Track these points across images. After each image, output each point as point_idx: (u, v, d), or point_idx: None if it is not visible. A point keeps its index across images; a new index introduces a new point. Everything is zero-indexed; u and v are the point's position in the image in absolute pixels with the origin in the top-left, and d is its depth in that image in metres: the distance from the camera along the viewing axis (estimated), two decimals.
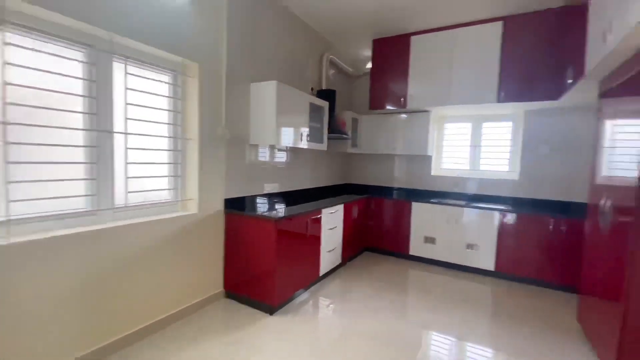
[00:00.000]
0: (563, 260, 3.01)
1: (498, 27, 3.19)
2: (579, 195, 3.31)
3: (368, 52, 4.12)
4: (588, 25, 2.04)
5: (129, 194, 2.00)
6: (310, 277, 2.82)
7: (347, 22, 3.43)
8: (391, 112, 4.06)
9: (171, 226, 2.18)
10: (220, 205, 2.53)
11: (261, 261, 2.40)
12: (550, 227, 3.05)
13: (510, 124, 3.75)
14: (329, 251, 3.08)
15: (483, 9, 3.06)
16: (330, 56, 3.83)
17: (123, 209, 1.98)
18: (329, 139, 3.71)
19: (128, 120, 1.97)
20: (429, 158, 4.15)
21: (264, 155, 2.93)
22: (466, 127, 4.01)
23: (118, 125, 1.94)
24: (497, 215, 3.30)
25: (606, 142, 2.12)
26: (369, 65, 4.15)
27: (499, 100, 3.23)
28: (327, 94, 3.63)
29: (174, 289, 2.24)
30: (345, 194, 4.04)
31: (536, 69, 3.06)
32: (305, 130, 2.97)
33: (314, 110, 3.15)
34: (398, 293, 2.92)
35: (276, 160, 3.11)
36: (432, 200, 3.71)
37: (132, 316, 1.99)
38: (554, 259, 3.05)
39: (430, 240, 3.67)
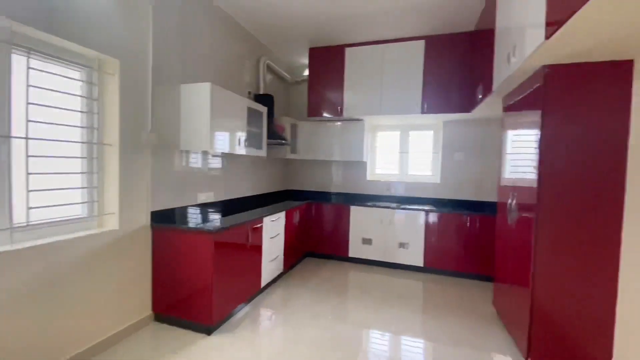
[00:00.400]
0: (480, 252, 3.44)
1: (421, 45, 3.53)
2: (489, 195, 3.83)
3: (305, 60, 4.18)
4: (495, 47, 2.39)
5: (31, 210, 1.66)
6: (251, 290, 2.70)
7: (283, 28, 3.42)
8: (328, 120, 4.17)
9: (87, 246, 1.87)
10: (145, 220, 2.26)
11: (196, 278, 2.20)
12: (467, 224, 3.46)
13: (431, 132, 4.17)
14: (271, 260, 3.00)
15: (408, 27, 3.35)
16: (268, 61, 3.77)
17: (23, 228, 1.63)
18: (268, 144, 3.64)
19: (30, 123, 1.64)
20: (364, 164, 4.37)
21: (197, 162, 2.72)
22: (395, 135, 4.34)
23: (17, 129, 1.61)
24: (423, 216, 3.62)
25: (508, 149, 2.49)
26: (307, 72, 4.20)
27: (423, 112, 3.57)
28: (265, 99, 3.56)
29: (93, 318, 1.91)
30: (286, 201, 4.00)
31: (452, 85, 3.46)
32: (242, 136, 2.85)
33: (252, 115, 3.06)
34: (340, 296, 2.98)
35: (212, 167, 2.92)
36: (367, 204, 3.89)
37: (39, 356, 1.64)
38: (473, 252, 3.46)
39: (367, 241, 3.84)
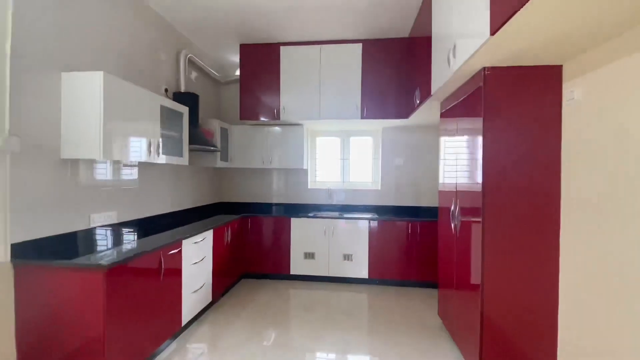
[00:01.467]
0: (423, 259, 3.39)
1: (358, 48, 3.41)
2: (430, 200, 3.87)
3: (236, 58, 3.77)
4: (432, 51, 2.32)
5: None
6: (167, 333, 2.17)
7: (206, 20, 2.99)
8: (264, 124, 3.81)
9: None
10: (3, 255, 1.62)
11: (82, 331, 1.64)
12: (409, 230, 3.40)
13: (370, 139, 4.10)
14: (195, 291, 2.49)
15: (344, 28, 3.20)
16: (190, 55, 3.27)
17: None
18: (192, 151, 3.13)
19: None
20: (305, 171, 4.09)
21: (93, 173, 2.12)
22: (336, 142, 4.16)
23: None
24: (365, 224, 3.47)
25: (445, 154, 2.44)
26: (238, 72, 3.79)
27: (362, 117, 3.44)
28: (187, 98, 3.06)
29: None
30: (217, 215, 3.50)
31: (390, 90, 3.40)
32: (155, 141, 2.33)
33: (170, 115, 2.55)
34: (281, 322, 2.62)
35: (119, 179, 2.33)
36: (309, 215, 3.61)
37: None
38: (416, 259, 3.41)
39: (310, 255, 3.55)
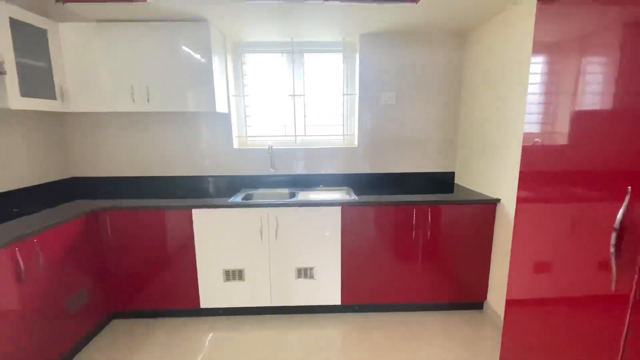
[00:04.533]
0: (439, 265, 1.94)
1: None
2: (442, 163, 2.36)
3: None
4: None
5: None
6: None
7: None
8: (126, 20, 1.88)
9: None
10: None
11: None
12: (414, 218, 1.87)
13: (340, 57, 2.35)
14: None
15: None
16: None
17: None
18: None
19: None
20: (225, 119, 2.30)
21: None
22: (280, 63, 2.35)
23: None
24: (334, 213, 1.87)
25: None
26: None
27: None
28: None
29: None
30: (63, 204, 1.69)
31: None
32: None
33: None
34: None
35: None
36: (231, 201, 1.92)
37: None
38: (427, 267, 1.95)
39: (235, 274, 1.93)
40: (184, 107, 1.98)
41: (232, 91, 2.29)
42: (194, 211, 1.84)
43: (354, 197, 1.98)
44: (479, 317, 2.00)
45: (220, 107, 2.08)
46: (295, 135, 2.40)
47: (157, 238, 1.87)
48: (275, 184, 2.36)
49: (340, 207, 1.87)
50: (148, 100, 1.96)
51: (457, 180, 2.40)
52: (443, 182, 2.40)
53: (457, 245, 1.92)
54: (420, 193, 2.11)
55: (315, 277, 1.95)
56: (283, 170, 2.36)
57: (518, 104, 1.65)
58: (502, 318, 1.59)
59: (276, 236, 1.89)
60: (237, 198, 2.00)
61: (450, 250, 1.93)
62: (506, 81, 1.76)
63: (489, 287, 1.99)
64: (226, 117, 2.28)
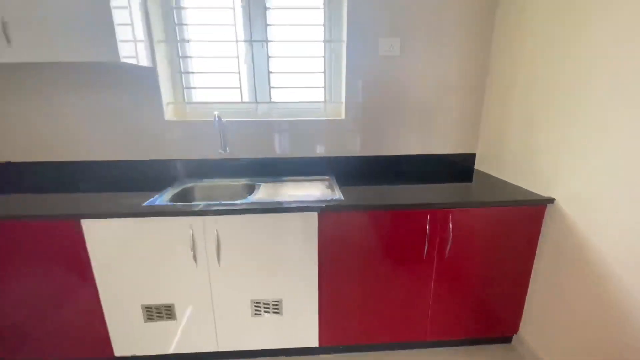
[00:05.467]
0: (463, 288, 1.36)
1: None
2: (466, 144, 1.73)
3: None
4: None
5: None
6: None
7: None
8: None
9: None
10: None
11: None
12: (428, 226, 1.25)
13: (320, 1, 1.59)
14: None
15: None
16: None
17: None
18: None
19: None
20: (151, 78, 1.54)
21: None
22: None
23: None
24: (313, 221, 1.23)
25: None
26: None
27: None
28: None
29: None
30: None
31: None
32: None
33: None
34: None
35: None
36: (147, 205, 1.24)
37: None
38: (446, 292, 1.36)
39: (161, 312, 1.30)
40: (68, 53, 1.22)
41: (158, 34, 1.52)
42: (85, 223, 1.16)
43: (337, 194, 1.33)
44: (507, 354, 1.47)
45: (132, 55, 1.33)
46: (257, 102, 1.68)
47: (36, 262, 1.20)
48: (228, 171, 1.67)
49: (317, 214, 1.22)
50: (8, 41, 1.19)
51: (477, 166, 1.77)
52: (458, 167, 1.77)
53: (486, 263, 1.34)
54: (428, 182, 1.50)
55: (283, 311, 1.34)
56: (239, 151, 1.67)
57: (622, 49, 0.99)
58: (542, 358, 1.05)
59: (218, 258, 1.24)
60: (162, 197, 1.32)
61: (476, 271, 1.34)
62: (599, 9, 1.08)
63: (522, 317, 1.45)
64: (151, 74, 1.53)
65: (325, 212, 1.22)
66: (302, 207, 1.20)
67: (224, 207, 1.20)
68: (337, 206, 1.21)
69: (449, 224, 1.25)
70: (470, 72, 1.63)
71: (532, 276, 1.37)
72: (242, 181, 1.59)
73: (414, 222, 1.25)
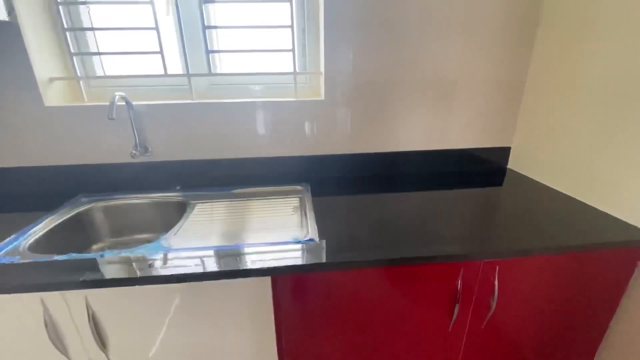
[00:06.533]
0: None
1: None
2: (498, 136, 1.20)
3: None
4: None
5: None
6: None
7: None
8: None
9: None
10: None
11: None
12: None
13: None
14: None
15: None
16: None
17: None
18: None
19: None
20: (14, 42, 0.93)
21: None
22: None
23: None
24: (266, 290, 0.71)
25: None
26: None
27: None
28: None
29: None
30: None
31: None
32: None
33: None
34: None
35: None
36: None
37: None
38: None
39: None
40: None
41: None
42: None
43: (310, 228, 0.81)
44: None
45: None
46: (189, 75, 1.09)
47: None
48: (146, 182, 1.12)
49: (270, 279, 0.70)
50: None
51: (511, 165, 1.26)
52: (485, 166, 1.26)
53: (543, 330, 0.86)
54: (443, 188, 0.99)
55: None
56: (163, 152, 1.11)
57: None
58: None
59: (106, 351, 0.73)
60: (26, 235, 0.78)
61: (530, 343, 0.87)
62: None
63: None
64: (10, 32, 0.93)
65: (283, 276, 0.70)
66: (239, 272, 0.67)
67: (94, 279, 0.66)
68: (302, 267, 0.68)
69: (495, 283, 0.75)
70: (511, 27, 1.08)
71: (602, 345, 0.91)
72: (169, 196, 1.05)
73: (437, 280, 0.75)
